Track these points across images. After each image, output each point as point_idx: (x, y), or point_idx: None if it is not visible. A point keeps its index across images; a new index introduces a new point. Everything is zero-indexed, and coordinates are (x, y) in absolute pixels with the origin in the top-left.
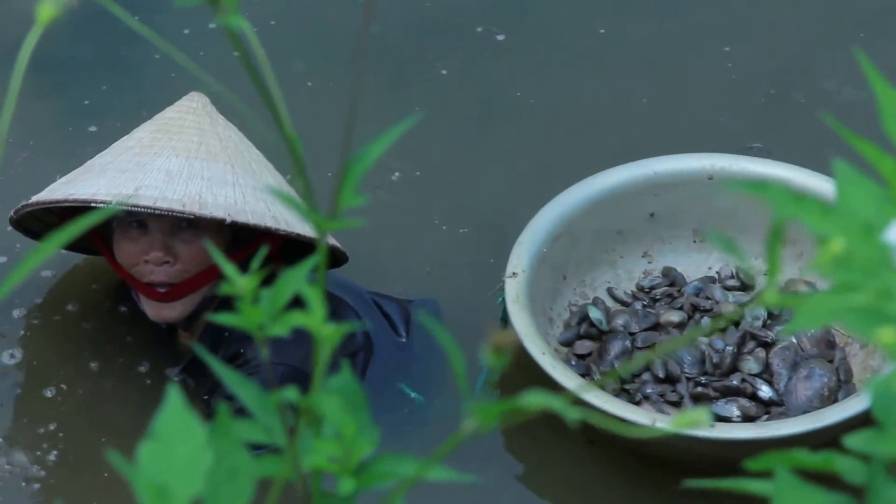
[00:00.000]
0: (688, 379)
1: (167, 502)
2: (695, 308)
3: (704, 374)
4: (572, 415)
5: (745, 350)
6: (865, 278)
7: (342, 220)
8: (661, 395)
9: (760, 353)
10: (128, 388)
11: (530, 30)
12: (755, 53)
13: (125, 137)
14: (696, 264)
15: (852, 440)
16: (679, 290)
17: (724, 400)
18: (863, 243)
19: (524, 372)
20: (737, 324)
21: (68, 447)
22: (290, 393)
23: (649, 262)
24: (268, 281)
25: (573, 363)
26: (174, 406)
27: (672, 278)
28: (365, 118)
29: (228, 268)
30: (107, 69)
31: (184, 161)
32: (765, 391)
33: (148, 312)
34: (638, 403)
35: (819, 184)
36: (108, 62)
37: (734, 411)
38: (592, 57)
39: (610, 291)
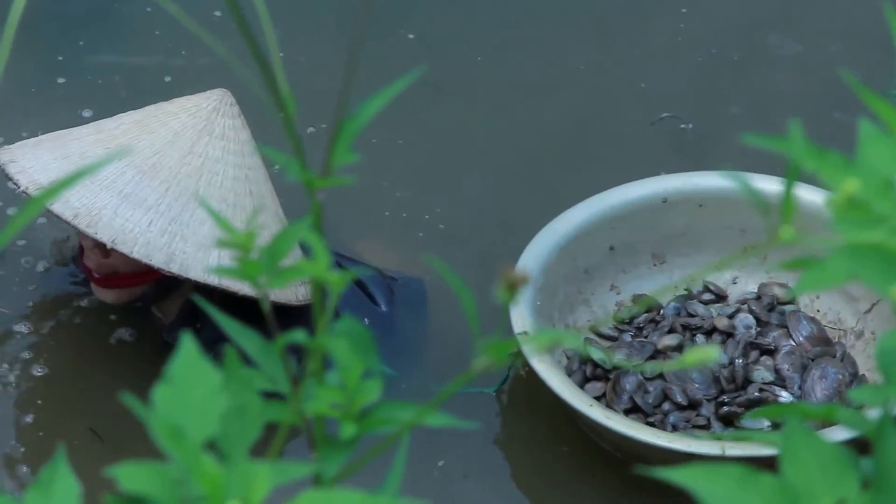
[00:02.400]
0: (708, 400)
1: (182, 443)
2: (685, 328)
3: (722, 391)
4: (579, 345)
5: (751, 360)
6: (882, 220)
7: (334, 177)
8: (688, 422)
9: (767, 360)
10: (106, 357)
11: None
12: (711, 12)
13: (125, 114)
14: (660, 286)
15: (856, 393)
16: (659, 314)
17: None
18: (882, 198)
19: (558, 424)
20: (730, 335)
21: (44, 414)
22: (299, 335)
23: (618, 294)
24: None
25: (591, 406)
26: (188, 352)
27: (647, 305)
28: (331, 85)
29: (222, 221)
30: (90, 25)
31: (122, 167)
32: (785, 397)
33: (98, 293)
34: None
35: (773, 187)
36: (94, 17)
37: (764, 422)
38: (548, 16)
39: (594, 329)
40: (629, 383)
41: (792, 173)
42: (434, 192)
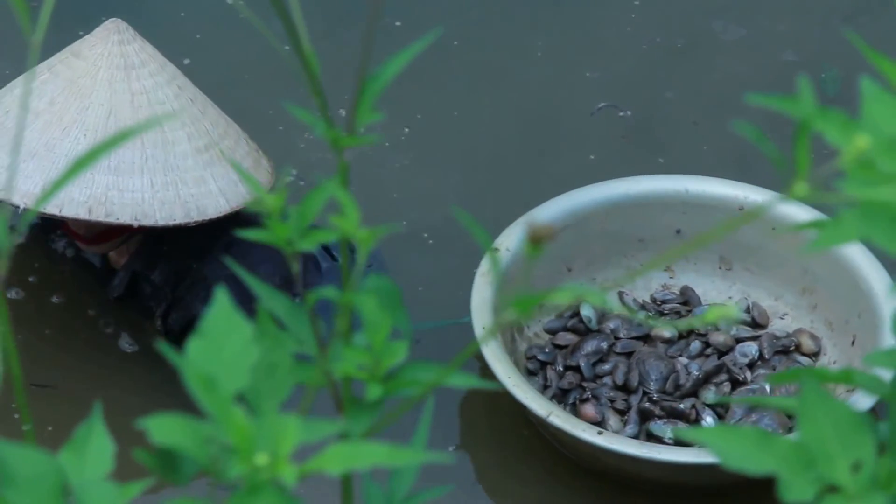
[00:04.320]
0: (644, 393)
1: (214, 393)
2: (691, 331)
3: (664, 392)
4: (600, 300)
5: (715, 380)
6: (890, 179)
7: (359, 137)
8: (612, 401)
9: (726, 387)
10: (69, 322)
11: None
12: (664, 1)
13: (40, 83)
14: (717, 290)
15: (871, 357)
16: (689, 311)
17: (664, 420)
18: (889, 157)
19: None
20: (724, 353)
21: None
22: (329, 291)
23: (671, 277)
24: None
25: (547, 350)
26: (222, 305)
27: (687, 297)
28: (335, 78)
29: (255, 184)
30: (115, 2)
31: (92, 142)
32: (709, 422)
33: (88, 251)
34: (585, 401)
35: (760, 197)
36: None
37: (667, 433)
38: (504, 3)
39: (620, 296)
40: (588, 346)
41: (803, 131)
42: (408, 181)
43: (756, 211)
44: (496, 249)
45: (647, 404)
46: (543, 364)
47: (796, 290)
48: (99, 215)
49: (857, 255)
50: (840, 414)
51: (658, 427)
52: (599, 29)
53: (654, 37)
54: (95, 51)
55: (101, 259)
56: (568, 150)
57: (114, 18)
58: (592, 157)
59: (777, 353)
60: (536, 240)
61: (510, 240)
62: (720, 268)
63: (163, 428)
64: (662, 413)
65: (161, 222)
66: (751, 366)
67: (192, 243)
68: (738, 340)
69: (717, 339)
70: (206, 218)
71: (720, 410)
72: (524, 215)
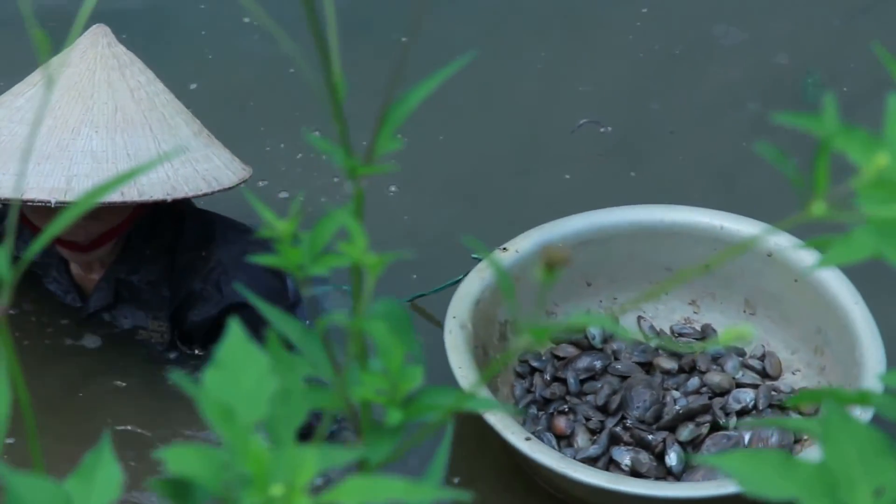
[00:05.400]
0: (623, 418)
1: (233, 424)
2: (693, 366)
3: (642, 420)
4: (608, 325)
5: (698, 419)
6: None
7: (377, 164)
8: (587, 419)
9: (705, 428)
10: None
11: None
12: (671, 10)
13: (35, 95)
14: None
15: (887, 377)
16: (705, 340)
17: (629, 447)
18: None
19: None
20: (720, 394)
21: None
22: (338, 317)
23: (695, 312)
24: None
25: (543, 357)
26: (236, 336)
27: (706, 335)
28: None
29: (267, 212)
30: (139, 22)
31: (105, 137)
32: (671, 458)
33: (77, 261)
34: (561, 413)
35: (750, 229)
36: (144, 15)
37: (625, 460)
38: (519, 12)
39: (638, 320)
40: (582, 362)
41: (824, 149)
42: (393, 210)
43: (747, 243)
44: (504, 249)
45: (618, 429)
46: (533, 370)
47: (810, 347)
48: (132, 196)
49: (861, 324)
50: (864, 438)
51: (619, 453)
52: (602, 38)
53: (652, 45)
54: (87, 55)
55: (71, 287)
56: (547, 171)
57: (99, 24)
58: (568, 176)
59: (772, 406)
60: (551, 265)
61: (522, 243)
62: (744, 311)
63: (178, 458)
64: (631, 440)
65: (190, 194)
66: (742, 413)
67: (183, 239)
68: (738, 385)
69: (713, 378)
70: (224, 187)
71: (690, 449)
72: (549, 223)
